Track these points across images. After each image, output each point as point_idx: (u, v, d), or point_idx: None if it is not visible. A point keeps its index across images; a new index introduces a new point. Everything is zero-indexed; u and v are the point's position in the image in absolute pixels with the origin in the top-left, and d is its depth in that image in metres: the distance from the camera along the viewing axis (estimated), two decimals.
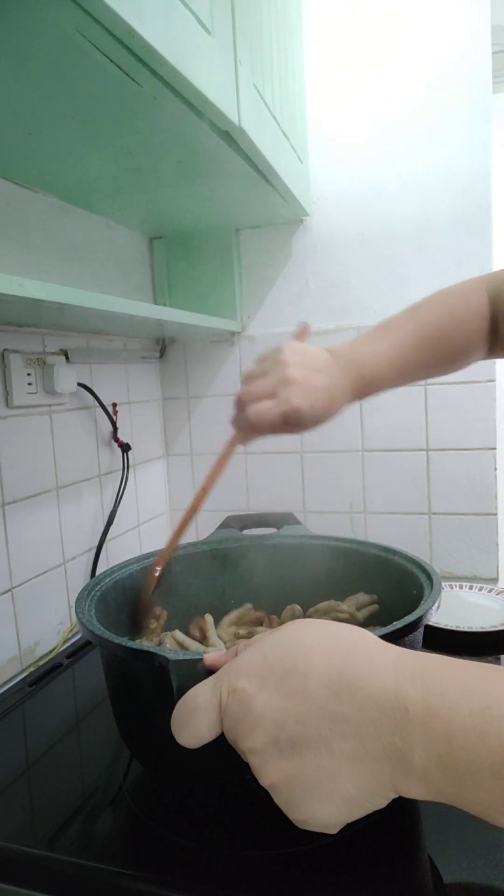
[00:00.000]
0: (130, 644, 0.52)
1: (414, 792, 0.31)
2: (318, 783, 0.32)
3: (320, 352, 0.64)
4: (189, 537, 0.78)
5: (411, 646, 0.56)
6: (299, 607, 0.77)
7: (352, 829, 0.49)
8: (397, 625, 0.51)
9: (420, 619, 0.52)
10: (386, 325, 0.69)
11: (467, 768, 0.29)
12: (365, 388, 0.65)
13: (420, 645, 0.59)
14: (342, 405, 0.63)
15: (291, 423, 0.60)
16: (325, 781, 0.32)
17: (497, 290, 0.71)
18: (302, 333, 0.69)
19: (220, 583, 0.81)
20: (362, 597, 0.75)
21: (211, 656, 0.41)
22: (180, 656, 0.44)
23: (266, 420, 0.59)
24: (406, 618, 0.52)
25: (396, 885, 0.48)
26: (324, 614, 0.73)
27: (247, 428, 0.62)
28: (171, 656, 0.44)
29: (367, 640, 0.35)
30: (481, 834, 0.52)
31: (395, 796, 0.32)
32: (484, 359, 0.74)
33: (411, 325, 0.69)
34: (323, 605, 0.75)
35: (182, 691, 0.39)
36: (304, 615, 0.76)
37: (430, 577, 0.63)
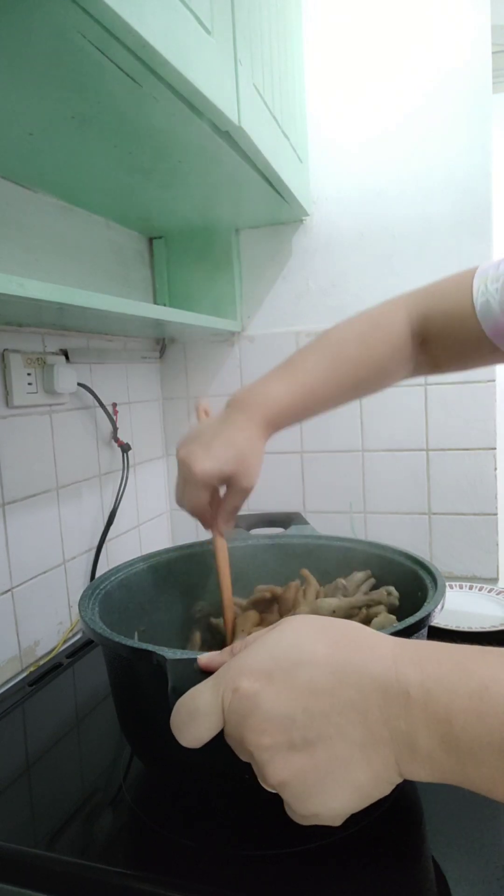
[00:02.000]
0: (131, 643, 0.52)
1: (420, 774, 0.32)
2: (330, 773, 0.32)
3: (215, 415, 0.70)
4: (183, 538, 0.78)
5: None
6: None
7: (352, 827, 0.48)
8: (402, 624, 0.51)
9: (424, 619, 0.52)
10: (293, 361, 0.71)
11: (469, 747, 0.30)
12: (273, 423, 0.68)
13: None
14: (255, 443, 0.66)
15: (216, 481, 0.65)
16: (339, 771, 0.32)
17: (420, 312, 0.73)
18: (199, 410, 0.74)
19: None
20: (357, 575, 0.76)
21: (205, 657, 0.41)
22: (177, 655, 0.44)
23: (194, 502, 0.65)
24: (409, 619, 0.52)
25: (398, 884, 0.48)
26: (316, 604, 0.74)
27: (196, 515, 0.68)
28: (168, 655, 0.44)
29: (364, 630, 0.36)
30: (485, 832, 0.52)
31: (401, 781, 0.33)
32: (407, 378, 0.76)
33: (321, 360, 0.71)
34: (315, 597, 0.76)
35: (177, 691, 0.38)
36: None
37: (434, 578, 0.63)
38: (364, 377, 0.71)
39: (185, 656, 0.44)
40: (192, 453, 0.64)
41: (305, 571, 0.78)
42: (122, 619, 0.68)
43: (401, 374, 0.74)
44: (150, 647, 0.48)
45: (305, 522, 0.85)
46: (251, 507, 1.28)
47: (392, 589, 0.72)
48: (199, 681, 0.38)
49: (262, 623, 0.74)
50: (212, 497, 0.67)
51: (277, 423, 0.68)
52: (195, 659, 0.42)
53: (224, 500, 0.68)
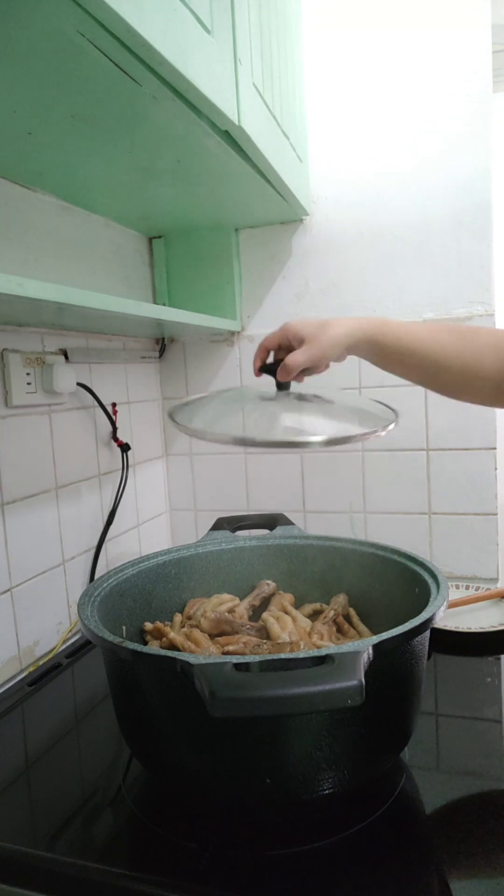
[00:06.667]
0: (147, 650, 0.51)
1: None
2: None
3: None
4: (183, 538, 0.78)
5: (420, 646, 0.56)
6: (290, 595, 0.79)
7: (352, 828, 0.48)
8: (406, 626, 0.51)
9: (429, 620, 0.52)
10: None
11: None
12: (371, 323, 0.70)
13: (427, 645, 0.58)
14: (341, 323, 0.70)
15: (291, 332, 0.71)
16: None
17: None
18: None
19: (215, 586, 0.81)
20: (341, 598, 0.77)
21: None
22: (202, 661, 0.44)
23: (265, 339, 0.74)
24: (413, 620, 0.52)
25: (398, 884, 0.48)
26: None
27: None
28: (193, 661, 0.44)
29: None
30: (486, 831, 0.52)
31: None
32: (486, 401, 0.71)
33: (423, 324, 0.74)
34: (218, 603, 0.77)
35: (216, 696, 0.38)
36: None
37: (434, 577, 0.63)
38: (459, 351, 0.68)
39: (212, 661, 0.44)
40: (296, 320, 0.73)
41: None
42: (123, 620, 0.69)
43: (485, 372, 0.68)
44: (173, 654, 0.48)
45: (290, 523, 0.86)
46: (246, 507, 1.28)
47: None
48: (236, 683, 0.37)
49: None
50: (282, 347, 0.73)
51: (372, 329, 0.70)
52: (226, 662, 0.42)
53: (288, 355, 0.71)
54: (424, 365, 0.70)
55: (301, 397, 0.74)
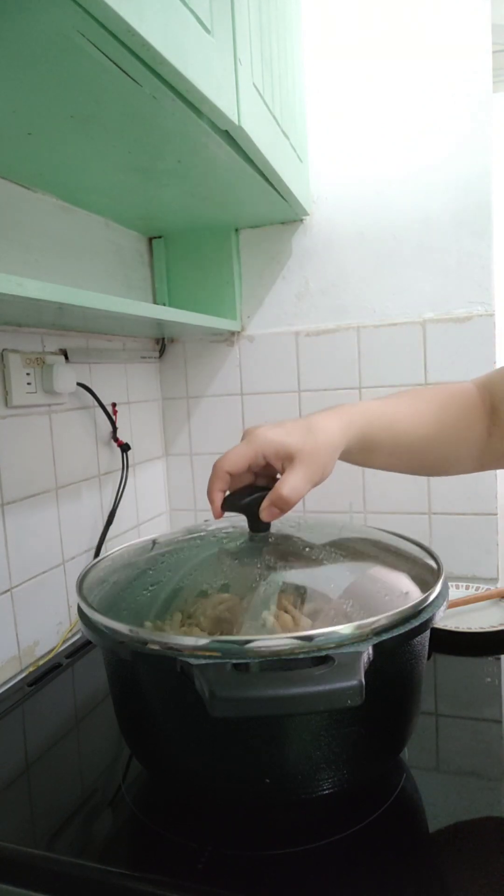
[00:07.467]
0: (147, 650, 0.51)
1: None
2: None
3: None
4: None
5: (420, 646, 0.56)
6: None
7: (352, 828, 0.48)
8: (405, 627, 0.51)
9: (429, 620, 0.52)
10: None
11: None
12: (358, 422, 0.60)
13: (427, 645, 0.58)
14: (332, 430, 0.59)
15: (272, 449, 0.56)
16: None
17: (482, 381, 0.68)
18: None
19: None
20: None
21: None
22: (202, 661, 0.44)
23: (231, 457, 0.57)
24: (413, 620, 0.52)
25: (398, 884, 0.48)
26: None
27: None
28: (193, 661, 0.44)
29: None
30: (486, 832, 0.52)
31: None
32: (473, 470, 0.69)
33: (400, 396, 0.68)
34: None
35: (216, 696, 0.38)
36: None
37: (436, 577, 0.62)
38: (439, 424, 0.64)
39: (212, 661, 0.44)
40: (262, 426, 0.57)
41: None
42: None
43: (472, 438, 0.66)
44: (171, 654, 0.47)
45: None
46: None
47: None
48: (236, 683, 0.37)
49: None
50: (254, 473, 0.57)
51: (362, 424, 0.60)
52: (226, 662, 0.42)
53: (278, 483, 0.55)
54: (414, 449, 0.64)
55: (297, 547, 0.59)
